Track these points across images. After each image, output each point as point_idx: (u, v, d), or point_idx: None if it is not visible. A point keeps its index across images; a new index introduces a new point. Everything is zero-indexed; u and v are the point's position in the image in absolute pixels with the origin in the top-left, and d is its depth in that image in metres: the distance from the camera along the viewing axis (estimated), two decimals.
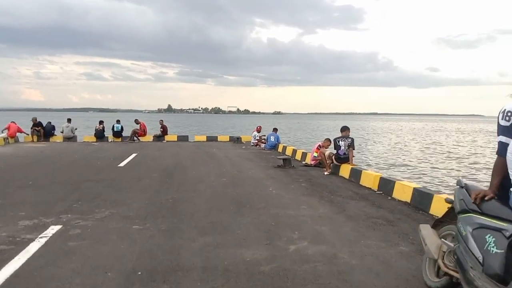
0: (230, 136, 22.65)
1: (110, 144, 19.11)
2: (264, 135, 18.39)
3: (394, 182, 7.72)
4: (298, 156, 13.67)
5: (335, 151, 10.21)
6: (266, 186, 8.41)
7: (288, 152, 15.06)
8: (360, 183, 8.90)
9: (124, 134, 20.94)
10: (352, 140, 10.11)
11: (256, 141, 18.32)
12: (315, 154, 11.61)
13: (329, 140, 11.64)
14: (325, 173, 10.27)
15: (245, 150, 16.49)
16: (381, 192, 7.92)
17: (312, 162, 11.69)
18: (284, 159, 11.34)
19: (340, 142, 10.04)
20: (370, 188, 8.37)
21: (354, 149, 10.13)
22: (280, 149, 16.28)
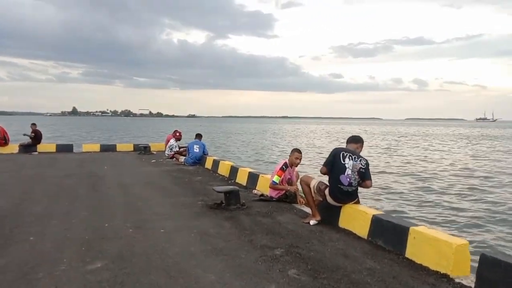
0: (134, 145, 16.70)
1: None
2: (184, 146, 12.93)
3: None
4: (242, 179, 8.59)
5: (326, 179, 5.33)
6: None
7: (223, 170, 9.86)
8: (408, 255, 4.13)
9: None
10: (367, 163, 5.26)
11: (172, 153, 12.75)
12: (276, 179, 6.60)
13: (298, 151, 6.77)
14: (311, 221, 5.32)
15: (155, 167, 10.95)
16: None
17: (274, 194, 6.70)
18: (227, 193, 6.17)
19: (346, 160, 5.06)
20: (447, 276, 3.65)
21: (371, 180, 5.29)
22: (208, 165, 10.98)
